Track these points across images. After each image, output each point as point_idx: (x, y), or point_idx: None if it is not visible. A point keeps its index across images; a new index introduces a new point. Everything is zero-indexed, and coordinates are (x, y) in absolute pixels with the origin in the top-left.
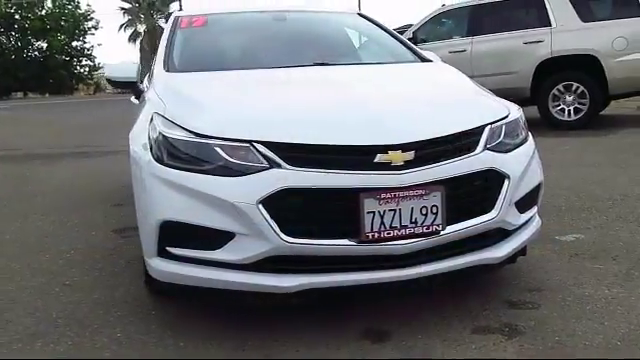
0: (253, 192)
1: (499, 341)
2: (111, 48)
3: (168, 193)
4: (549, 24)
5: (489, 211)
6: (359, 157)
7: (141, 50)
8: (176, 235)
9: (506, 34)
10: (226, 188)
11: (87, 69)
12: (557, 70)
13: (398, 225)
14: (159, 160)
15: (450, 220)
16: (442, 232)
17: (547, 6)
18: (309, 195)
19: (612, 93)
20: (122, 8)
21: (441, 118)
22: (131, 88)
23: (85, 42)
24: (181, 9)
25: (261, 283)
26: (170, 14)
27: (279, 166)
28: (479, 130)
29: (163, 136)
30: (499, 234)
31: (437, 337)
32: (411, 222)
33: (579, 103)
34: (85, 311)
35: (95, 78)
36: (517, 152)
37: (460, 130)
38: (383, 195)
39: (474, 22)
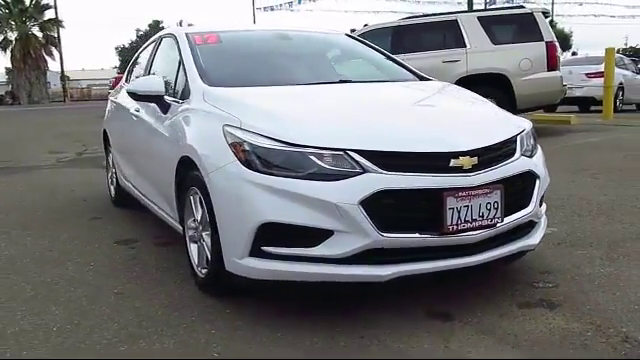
0: (354, 194)
1: (544, 312)
2: None
3: (266, 197)
4: (464, 45)
5: (527, 206)
6: (437, 162)
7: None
8: (274, 235)
9: (427, 53)
10: (328, 191)
11: None
12: (473, 86)
13: (470, 219)
14: (252, 168)
15: (505, 214)
16: (500, 224)
17: (462, 29)
18: (400, 195)
19: (519, 107)
20: None
21: (486, 129)
22: (156, 102)
23: None
24: (57, 16)
25: (359, 274)
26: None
27: (372, 171)
28: (514, 139)
29: (253, 146)
30: (529, 226)
31: (493, 313)
32: (479, 216)
33: None
34: (162, 313)
35: None
36: (537, 156)
37: (504, 139)
38: (460, 194)
39: (396, 42)
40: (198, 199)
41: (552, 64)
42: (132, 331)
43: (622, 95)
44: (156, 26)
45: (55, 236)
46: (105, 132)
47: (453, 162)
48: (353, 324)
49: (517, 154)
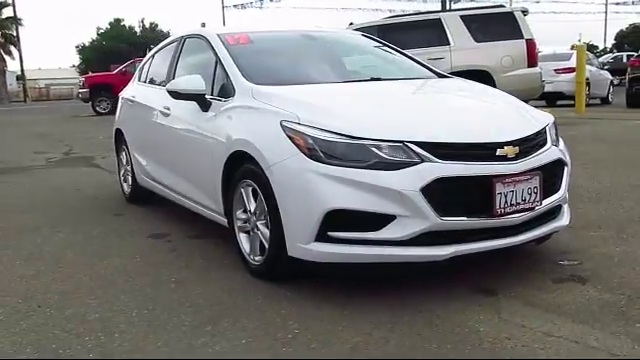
0: (415, 181)
1: (577, 286)
2: None
3: (332, 186)
4: (448, 43)
5: (559, 190)
6: (485, 152)
7: None
8: (340, 221)
9: (412, 51)
10: (392, 179)
11: None
12: None
13: (514, 202)
14: (317, 159)
15: (542, 198)
16: (538, 207)
17: (445, 28)
18: (455, 182)
19: None
20: None
21: (521, 121)
22: (197, 100)
23: None
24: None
25: (420, 254)
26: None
27: (429, 160)
28: (544, 130)
29: (316, 139)
30: (558, 209)
31: (532, 287)
32: (522, 200)
33: None
34: (227, 297)
35: None
36: (561, 146)
37: (537, 130)
38: (506, 180)
39: (382, 40)
40: (251, 191)
41: (532, 61)
42: (208, 314)
43: (589, 90)
44: (117, 24)
45: (86, 232)
46: (119, 131)
47: (499, 151)
48: (409, 301)
49: (548, 144)
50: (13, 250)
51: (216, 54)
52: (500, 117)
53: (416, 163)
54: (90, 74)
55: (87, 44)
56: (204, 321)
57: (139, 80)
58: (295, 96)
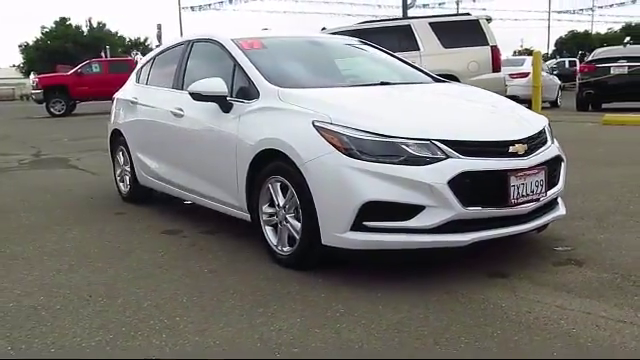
0: (443, 175)
1: (575, 268)
2: None
3: (367, 180)
4: (418, 48)
5: (557, 184)
6: (499, 149)
7: None
8: (374, 211)
9: None
10: (422, 173)
11: None
12: None
13: (525, 194)
14: (352, 156)
15: (546, 190)
16: (543, 198)
17: (415, 33)
18: (476, 176)
19: None
20: None
21: (526, 121)
22: (218, 102)
23: None
24: None
25: (445, 240)
26: None
27: (453, 157)
28: (544, 130)
29: (350, 138)
30: (555, 200)
31: (537, 270)
32: (530, 192)
33: None
34: (265, 285)
35: None
36: (556, 143)
37: (539, 129)
38: (519, 174)
39: None
40: (279, 186)
41: (496, 66)
42: (253, 298)
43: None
44: (63, 24)
45: (99, 230)
46: (116, 132)
47: (511, 148)
48: (433, 285)
49: (549, 142)
50: (34, 247)
51: (234, 58)
52: (507, 117)
53: (442, 159)
54: (45, 75)
55: (31, 43)
56: (254, 305)
57: (137, 82)
58: (322, 98)
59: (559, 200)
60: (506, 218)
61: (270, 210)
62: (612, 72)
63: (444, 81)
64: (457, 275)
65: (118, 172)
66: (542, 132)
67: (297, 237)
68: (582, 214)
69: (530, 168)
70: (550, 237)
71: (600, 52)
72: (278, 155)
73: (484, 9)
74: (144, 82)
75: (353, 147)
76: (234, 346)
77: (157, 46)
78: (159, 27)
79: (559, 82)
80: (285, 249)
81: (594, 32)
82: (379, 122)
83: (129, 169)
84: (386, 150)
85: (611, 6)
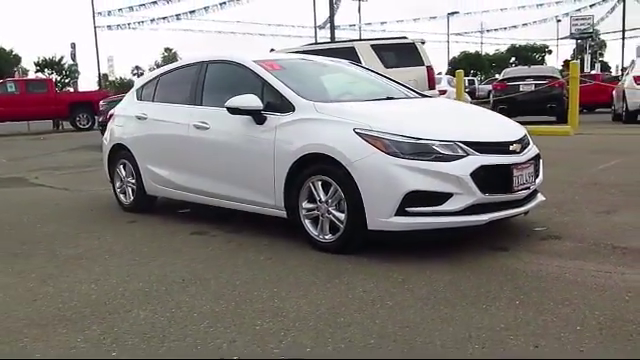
0: (467, 169)
1: (557, 242)
2: None
3: (409, 174)
4: None
5: (539, 176)
6: (503, 148)
7: None
8: (414, 199)
9: None
10: (451, 168)
11: None
12: None
13: (522, 182)
14: (394, 155)
15: (534, 180)
16: (532, 186)
17: (359, 55)
18: (490, 169)
19: None
20: None
21: (513, 127)
22: (253, 115)
23: None
24: None
25: (469, 220)
26: None
27: (472, 154)
28: (526, 134)
29: (391, 141)
30: (536, 190)
31: (529, 244)
32: (525, 181)
33: None
34: (323, 265)
35: None
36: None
37: (524, 133)
38: (518, 167)
39: None
40: (321, 184)
41: (432, 84)
42: (324, 274)
43: None
44: None
45: (130, 234)
46: (117, 147)
47: (511, 147)
48: (457, 258)
49: (531, 143)
50: (84, 249)
51: (261, 78)
52: (501, 124)
53: (463, 156)
54: None
55: None
56: (323, 280)
57: (139, 99)
58: (354, 110)
59: (538, 189)
60: (509, 202)
61: (309, 205)
62: (521, 89)
63: (429, 96)
64: (471, 251)
65: (118, 185)
66: (526, 135)
67: (341, 226)
68: (543, 204)
69: (525, 162)
70: (527, 221)
71: (509, 71)
72: (320, 158)
73: (384, 30)
74: (149, 99)
75: (394, 148)
76: (339, 304)
77: (72, 64)
78: (73, 46)
79: (469, 99)
80: (327, 237)
81: (484, 53)
82: (409, 128)
83: (133, 181)
84: (419, 150)
85: (496, 30)
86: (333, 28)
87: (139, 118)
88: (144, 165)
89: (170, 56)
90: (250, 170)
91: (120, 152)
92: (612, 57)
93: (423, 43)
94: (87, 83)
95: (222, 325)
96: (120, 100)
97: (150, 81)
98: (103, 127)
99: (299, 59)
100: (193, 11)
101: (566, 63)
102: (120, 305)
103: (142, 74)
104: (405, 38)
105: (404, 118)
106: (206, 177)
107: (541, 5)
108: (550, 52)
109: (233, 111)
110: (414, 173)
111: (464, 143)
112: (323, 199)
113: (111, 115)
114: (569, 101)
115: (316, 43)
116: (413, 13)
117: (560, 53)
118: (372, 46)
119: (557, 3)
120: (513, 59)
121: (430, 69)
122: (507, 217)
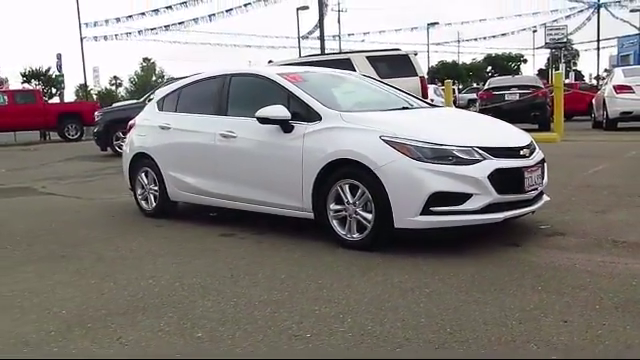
0: (484, 171)
1: (562, 237)
2: None
3: (433, 176)
4: None
5: (545, 178)
6: (514, 152)
7: None
8: (437, 199)
9: None
10: (471, 170)
11: None
12: None
13: (532, 184)
14: (419, 160)
15: (541, 182)
16: (540, 187)
17: (355, 66)
18: (505, 171)
19: None
20: None
21: (520, 133)
22: (281, 124)
23: None
24: None
25: (488, 217)
26: None
27: (488, 158)
28: (532, 140)
29: (415, 147)
30: (542, 191)
31: (538, 240)
32: (535, 182)
33: None
34: (355, 260)
35: None
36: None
37: (531, 139)
38: (528, 169)
39: None
40: (348, 187)
41: (425, 94)
42: (359, 268)
43: None
44: None
45: (162, 237)
46: (139, 155)
47: (522, 152)
48: (476, 253)
49: (537, 148)
50: (126, 251)
51: (286, 89)
52: (509, 130)
53: (481, 160)
54: None
55: None
56: (360, 273)
57: (161, 110)
58: (378, 119)
59: (543, 190)
60: (521, 201)
61: (337, 207)
62: (507, 99)
63: (438, 106)
64: (486, 248)
65: (139, 192)
66: (532, 141)
67: (368, 225)
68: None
69: (534, 165)
70: (532, 220)
71: (494, 81)
72: (348, 163)
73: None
74: (171, 110)
75: (418, 153)
76: (382, 292)
77: (59, 75)
78: (59, 57)
79: (454, 107)
80: (355, 236)
81: (461, 62)
82: (430, 135)
83: (156, 188)
84: (440, 155)
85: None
86: (323, 40)
87: (162, 128)
88: (167, 172)
89: (149, 66)
90: (277, 175)
91: (142, 160)
92: (585, 66)
93: (415, 54)
94: (68, 94)
95: (285, 311)
96: (120, 110)
97: (171, 93)
98: (98, 137)
99: (317, 72)
100: (182, 22)
101: (540, 72)
102: (183, 297)
103: (120, 84)
104: (399, 50)
105: (424, 126)
106: (232, 182)
107: (519, 15)
108: (525, 61)
109: (262, 121)
110: (437, 176)
111: (480, 148)
112: (351, 201)
113: (131, 126)
114: (553, 109)
115: (314, 55)
116: (394, 24)
117: (535, 62)
118: (367, 57)
119: (534, 14)
120: (489, 68)
121: (423, 79)
122: (519, 215)
